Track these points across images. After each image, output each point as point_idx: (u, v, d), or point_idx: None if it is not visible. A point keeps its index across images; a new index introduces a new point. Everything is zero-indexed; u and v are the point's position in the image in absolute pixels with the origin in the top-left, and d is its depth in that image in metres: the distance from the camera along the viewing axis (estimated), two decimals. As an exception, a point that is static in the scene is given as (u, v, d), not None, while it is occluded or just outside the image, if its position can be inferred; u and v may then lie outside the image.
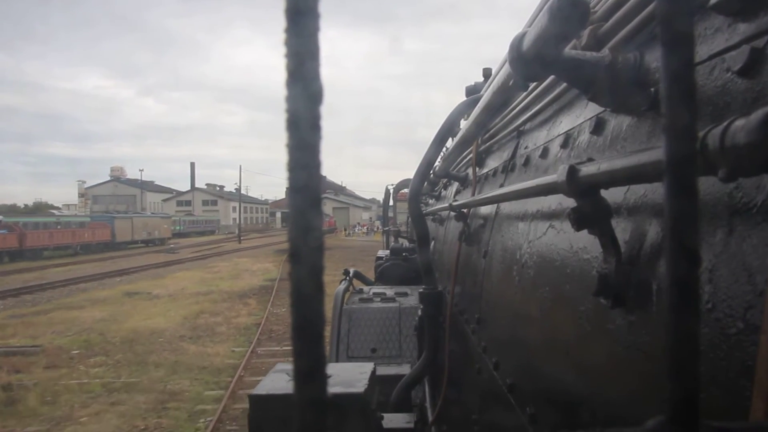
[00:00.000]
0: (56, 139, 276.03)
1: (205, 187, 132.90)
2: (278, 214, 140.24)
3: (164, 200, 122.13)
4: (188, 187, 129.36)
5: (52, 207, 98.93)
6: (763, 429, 0.74)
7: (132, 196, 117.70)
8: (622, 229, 1.32)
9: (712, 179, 0.84)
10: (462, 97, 4.53)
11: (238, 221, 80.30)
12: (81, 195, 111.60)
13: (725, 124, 0.74)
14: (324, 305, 0.42)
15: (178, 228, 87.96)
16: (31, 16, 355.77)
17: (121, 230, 64.12)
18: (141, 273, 38.48)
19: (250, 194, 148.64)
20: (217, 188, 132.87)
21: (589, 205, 1.27)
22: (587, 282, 1.45)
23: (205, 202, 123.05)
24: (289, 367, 2.86)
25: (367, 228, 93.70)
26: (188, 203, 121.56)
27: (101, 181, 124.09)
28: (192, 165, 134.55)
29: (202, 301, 26.22)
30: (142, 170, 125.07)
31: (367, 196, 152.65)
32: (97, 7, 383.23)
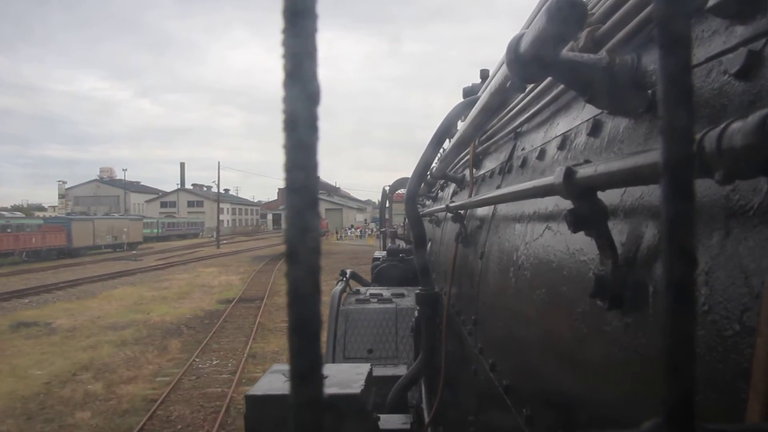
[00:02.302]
0: (53, 141, 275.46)
1: (191, 187, 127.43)
2: (269, 216, 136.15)
3: (147, 201, 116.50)
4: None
5: (42, 209, 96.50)
6: (759, 431, 0.74)
7: (115, 197, 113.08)
8: (618, 231, 1.32)
9: (708, 181, 0.84)
10: (459, 99, 4.54)
11: (216, 223, 75.59)
12: (61, 196, 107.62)
13: (722, 126, 0.74)
14: (321, 306, 0.42)
15: (155, 231, 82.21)
16: (30, 16, 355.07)
17: (80, 234, 56.07)
18: (69, 290, 30.00)
19: (240, 195, 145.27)
20: (204, 188, 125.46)
21: (586, 207, 1.27)
22: (584, 284, 1.45)
23: (190, 203, 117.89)
24: (285, 367, 2.85)
25: (361, 230, 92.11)
26: (173, 204, 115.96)
27: (83, 181, 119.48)
28: (182, 165, 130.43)
29: (105, 341, 18.35)
30: (125, 170, 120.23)
31: (363, 198, 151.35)
32: (96, 8, 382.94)
